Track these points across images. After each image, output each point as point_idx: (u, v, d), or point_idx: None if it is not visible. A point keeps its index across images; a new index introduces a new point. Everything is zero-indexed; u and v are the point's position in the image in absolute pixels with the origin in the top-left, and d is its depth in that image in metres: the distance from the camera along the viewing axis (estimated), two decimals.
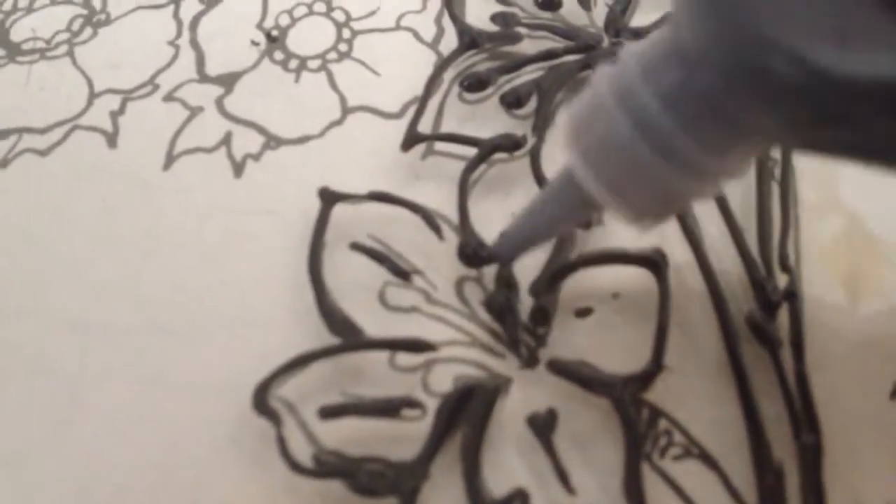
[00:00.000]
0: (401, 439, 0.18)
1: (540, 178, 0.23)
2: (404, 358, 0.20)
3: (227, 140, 0.25)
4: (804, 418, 0.18)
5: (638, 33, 0.26)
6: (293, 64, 0.27)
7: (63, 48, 0.28)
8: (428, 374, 0.20)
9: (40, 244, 0.23)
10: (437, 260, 0.21)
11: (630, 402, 0.18)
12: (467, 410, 0.19)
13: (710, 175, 0.15)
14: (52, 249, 0.23)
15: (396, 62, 0.26)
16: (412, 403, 0.19)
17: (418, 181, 0.23)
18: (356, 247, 0.22)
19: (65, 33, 0.28)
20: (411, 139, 0.24)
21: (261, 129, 0.25)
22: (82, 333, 0.21)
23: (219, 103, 0.26)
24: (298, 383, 0.19)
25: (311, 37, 0.27)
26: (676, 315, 0.20)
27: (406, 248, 0.22)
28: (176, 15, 0.29)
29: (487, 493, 0.18)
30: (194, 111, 0.26)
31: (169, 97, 0.26)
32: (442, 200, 0.22)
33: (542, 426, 0.19)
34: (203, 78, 0.27)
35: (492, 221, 0.21)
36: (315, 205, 0.22)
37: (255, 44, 0.27)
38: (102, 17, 0.29)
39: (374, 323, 0.20)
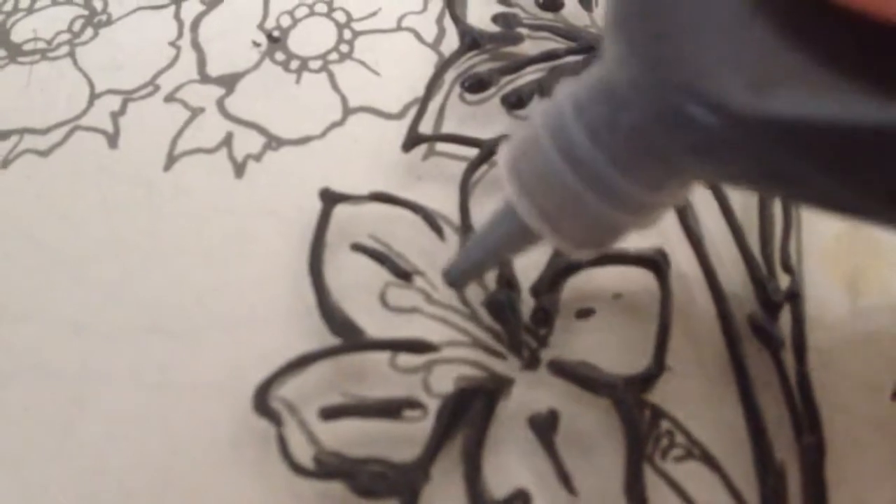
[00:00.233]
0: (402, 440, 0.18)
1: None
2: (405, 359, 0.20)
3: (228, 141, 0.25)
4: (806, 419, 0.18)
5: None
6: (294, 64, 0.27)
7: (64, 49, 0.28)
8: (429, 375, 0.20)
9: (41, 245, 0.23)
10: (438, 260, 0.21)
11: (632, 404, 0.18)
12: (468, 411, 0.19)
13: (645, 208, 0.15)
14: (52, 250, 0.23)
15: (397, 63, 0.26)
16: (413, 404, 0.19)
17: (419, 182, 0.23)
18: (357, 247, 0.22)
19: (66, 34, 0.28)
20: (412, 140, 0.24)
21: (262, 130, 0.25)
22: (83, 334, 0.21)
23: (220, 104, 0.26)
24: (299, 384, 0.19)
25: (312, 37, 0.27)
26: (678, 316, 0.20)
27: (407, 249, 0.22)
28: (177, 16, 0.29)
29: (489, 495, 0.18)
30: (195, 112, 0.26)
31: (170, 98, 0.26)
32: (443, 201, 0.22)
33: (544, 427, 0.19)
34: (204, 78, 0.27)
35: None
36: (316, 205, 0.22)
37: (256, 44, 0.27)
38: (103, 17, 0.29)
39: (374, 323, 0.20)
